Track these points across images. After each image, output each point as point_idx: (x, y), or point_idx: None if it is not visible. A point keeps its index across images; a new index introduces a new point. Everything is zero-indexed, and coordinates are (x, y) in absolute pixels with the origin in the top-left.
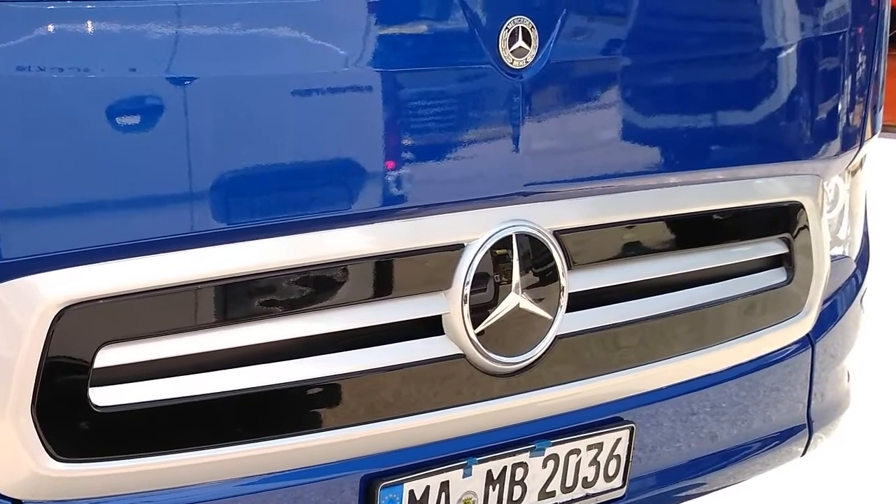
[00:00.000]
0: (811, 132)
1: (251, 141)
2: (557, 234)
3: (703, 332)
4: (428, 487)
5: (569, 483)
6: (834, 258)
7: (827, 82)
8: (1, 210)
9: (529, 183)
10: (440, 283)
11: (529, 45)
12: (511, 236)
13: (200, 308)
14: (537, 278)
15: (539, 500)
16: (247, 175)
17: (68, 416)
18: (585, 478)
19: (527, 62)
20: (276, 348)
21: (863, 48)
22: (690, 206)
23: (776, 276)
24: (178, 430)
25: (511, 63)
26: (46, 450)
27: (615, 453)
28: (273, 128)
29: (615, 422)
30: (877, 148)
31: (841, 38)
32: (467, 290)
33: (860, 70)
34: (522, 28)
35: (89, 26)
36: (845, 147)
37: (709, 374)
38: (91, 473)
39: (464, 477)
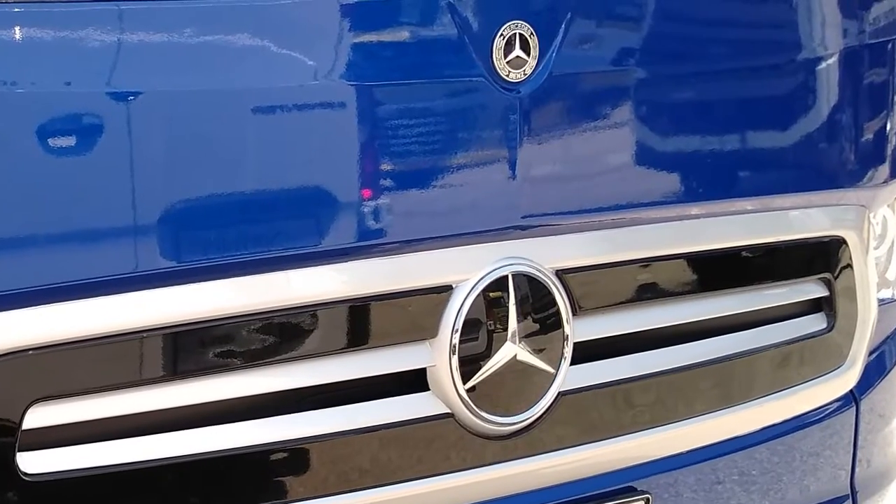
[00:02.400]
0: (855, 156)
1: (206, 166)
2: (561, 274)
3: (730, 389)
4: None
5: None
6: (882, 302)
7: (874, 98)
8: None
9: (528, 215)
10: (424, 330)
11: (528, 54)
12: (507, 277)
13: (147, 360)
14: (537, 325)
15: None
16: (201, 206)
17: None
18: None
19: (525, 74)
20: (234, 407)
21: None
22: (715, 242)
23: (814, 322)
24: (122, 503)
25: (507, 75)
26: None
27: None
28: (232, 150)
29: (628, 492)
30: None
31: (890, 46)
32: (456, 339)
33: None
34: (520, 35)
35: (14, 33)
36: (895, 173)
37: (736, 437)
38: None
39: None
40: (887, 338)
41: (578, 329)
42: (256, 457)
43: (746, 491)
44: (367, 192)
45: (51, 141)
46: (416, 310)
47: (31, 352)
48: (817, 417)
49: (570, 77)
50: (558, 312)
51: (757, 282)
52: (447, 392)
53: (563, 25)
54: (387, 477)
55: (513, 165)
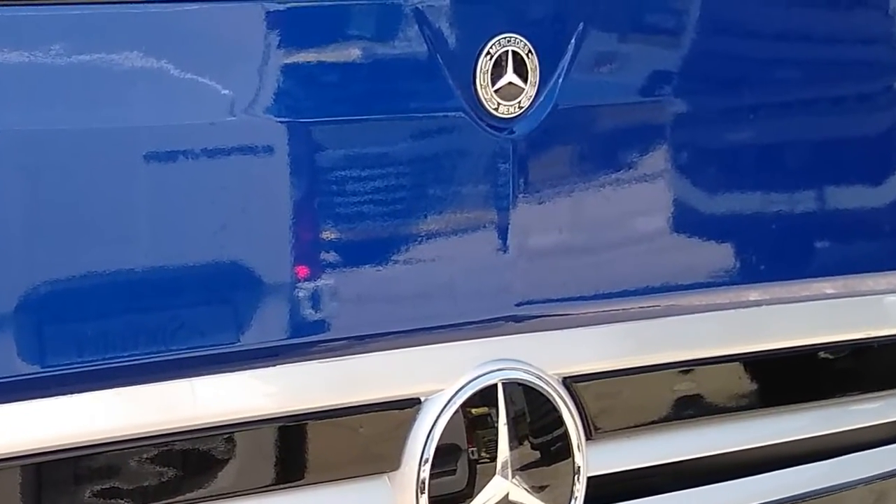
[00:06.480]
0: None
1: (81, 233)
2: (569, 382)
3: None
4: None
5: None
6: None
7: None
8: None
9: (525, 301)
10: (383, 461)
11: (525, 80)
12: (495, 386)
13: None
14: (538, 454)
15: None
16: (74, 289)
17: None
18: None
19: (520, 108)
20: None
21: None
22: (781, 339)
23: None
24: None
25: (495, 109)
26: None
27: None
28: (117, 211)
29: None
30: None
31: None
32: (426, 472)
33: None
34: (513, 53)
35: None
36: None
37: None
38: None
39: None
40: None
41: (594, 458)
42: None
43: None
44: (302, 271)
45: None
46: (372, 432)
47: None
48: None
49: (583, 112)
50: (566, 435)
51: (839, 394)
52: None
53: (572, 41)
54: None
55: (503, 234)
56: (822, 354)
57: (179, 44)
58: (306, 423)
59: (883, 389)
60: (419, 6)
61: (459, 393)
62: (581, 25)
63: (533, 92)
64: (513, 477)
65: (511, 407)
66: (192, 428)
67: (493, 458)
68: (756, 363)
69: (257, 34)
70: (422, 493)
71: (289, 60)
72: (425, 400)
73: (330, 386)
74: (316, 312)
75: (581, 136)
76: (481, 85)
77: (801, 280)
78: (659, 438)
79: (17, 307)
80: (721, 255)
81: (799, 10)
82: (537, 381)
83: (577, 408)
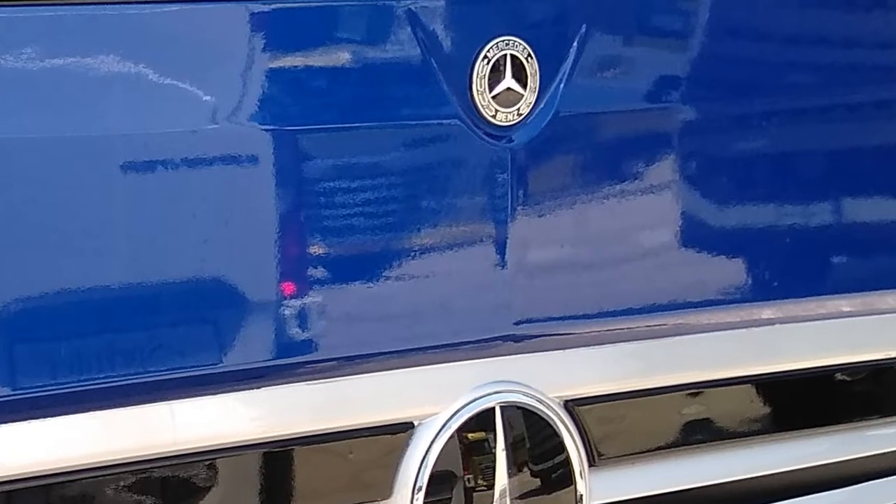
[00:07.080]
0: None
1: (53, 247)
2: (571, 406)
3: None
4: None
5: None
6: None
7: None
8: None
9: (524, 320)
10: (373, 489)
11: (524, 86)
12: (493, 410)
13: None
14: (538, 481)
15: None
16: (45, 307)
17: None
18: None
19: (519, 115)
20: None
21: None
22: (796, 360)
23: None
24: None
25: (493, 117)
26: None
27: None
28: (91, 225)
29: None
30: None
31: None
32: (419, 500)
33: None
34: (512, 57)
35: None
36: None
37: None
38: None
39: None
40: None
41: (597, 486)
42: None
43: None
44: (289, 287)
45: None
46: (362, 458)
47: None
48: None
49: (585, 119)
50: (568, 462)
51: (857, 417)
52: None
53: (574, 44)
54: None
55: (501, 248)
56: (838, 376)
57: (159, 47)
58: (293, 449)
59: None
60: (412, 7)
61: (455, 417)
62: (583, 28)
63: (532, 98)
64: None
65: (510, 432)
66: (172, 454)
67: (491, 486)
68: (769, 385)
69: (241, 37)
70: None
71: (275, 65)
72: (419, 424)
73: (318, 409)
74: (303, 332)
75: (583, 144)
76: (478, 91)
77: (817, 297)
78: (666, 465)
79: None
80: (732, 270)
81: (812, 11)
82: (537, 405)
83: (580, 433)
